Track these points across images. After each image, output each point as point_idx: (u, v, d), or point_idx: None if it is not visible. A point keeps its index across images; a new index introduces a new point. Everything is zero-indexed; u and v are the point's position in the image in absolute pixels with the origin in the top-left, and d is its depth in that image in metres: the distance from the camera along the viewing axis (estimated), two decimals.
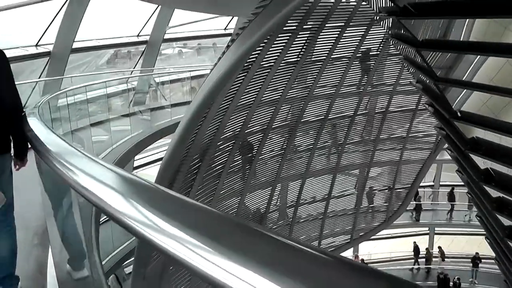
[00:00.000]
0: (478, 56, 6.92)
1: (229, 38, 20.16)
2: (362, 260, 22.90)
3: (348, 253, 22.93)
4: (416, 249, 23.55)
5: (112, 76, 15.83)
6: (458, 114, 7.06)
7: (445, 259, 23.86)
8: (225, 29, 19.19)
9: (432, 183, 24.11)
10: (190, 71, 16.65)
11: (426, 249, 23.71)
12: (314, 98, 15.77)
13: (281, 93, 14.39)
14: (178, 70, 17.93)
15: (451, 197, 23.69)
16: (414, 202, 23.18)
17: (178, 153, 11.09)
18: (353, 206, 19.83)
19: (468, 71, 7.52)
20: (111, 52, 20.30)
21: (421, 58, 7.20)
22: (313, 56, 14.70)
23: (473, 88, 7.09)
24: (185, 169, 12.23)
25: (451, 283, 21.93)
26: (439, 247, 23.89)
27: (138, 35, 16.13)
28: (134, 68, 17.47)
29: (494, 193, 7.58)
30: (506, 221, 7.74)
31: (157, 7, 15.37)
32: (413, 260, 23.87)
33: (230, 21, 18.76)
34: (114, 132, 11.76)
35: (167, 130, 13.21)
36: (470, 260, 22.99)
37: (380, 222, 20.68)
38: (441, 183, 24.62)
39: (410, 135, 18.76)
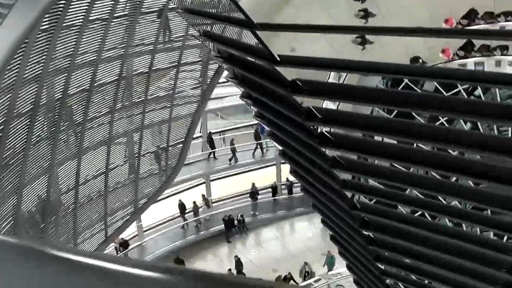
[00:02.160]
0: None
1: None
2: (122, 239, 21.75)
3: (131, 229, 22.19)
4: (182, 206, 23.84)
5: None
6: (277, 58, 7.12)
7: (226, 200, 25.35)
8: None
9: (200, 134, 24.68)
10: None
11: (193, 202, 24.28)
12: (77, 68, 14.22)
13: (42, 66, 12.49)
14: None
15: (256, 137, 25.13)
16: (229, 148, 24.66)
17: None
18: (132, 174, 19.15)
19: None
20: None
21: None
22: (67, 21, 13.05)
23: (291, 29, 7.26)
24: None
25: (236, 222, 23.48)
26: (202, 195, 24.76)
27: None
28: None
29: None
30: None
31: None
32: (191, 215, 24.26)
33: None
34: None
35: None
36: (249, 195, 24.95)
37: (161, 183, 20.51)
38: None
39: (176, 91, 18.70)
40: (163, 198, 22.47)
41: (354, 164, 7.95)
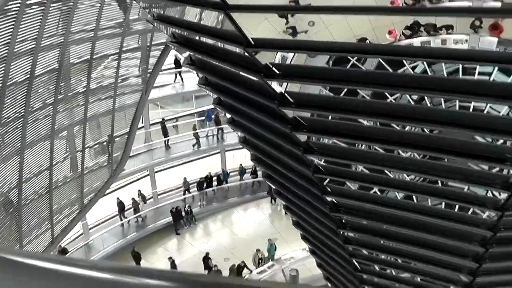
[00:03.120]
0: None
1: None
2: (60, 247, 20.09)
3: None
4: (121, 204, 22.96)
5: None
6: (252, 41, 6.87)
7: (171, 192, 24.81)
8: None
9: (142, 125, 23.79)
10: None
11: (132, 198, 23.50)
12: (15, 57, 13.24)
13: None
14: None
15: (217, 122, 24.88)
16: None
17: None
18: (78, 169, 18.23)
19: None
20: None
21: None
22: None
23: (262, 11, 7.05)
24: None
25: (183, 213, 22.96)
26: (139, 191, 23.92)
27: None
28: None
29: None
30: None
31: None
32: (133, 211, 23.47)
33: None
34: None
35: None
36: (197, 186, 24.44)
37: (107, 177, 19.70)
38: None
39: (119, 80, 17.93)
40: (108, 193, 21.63)
41: (327, 149, 7.90)
